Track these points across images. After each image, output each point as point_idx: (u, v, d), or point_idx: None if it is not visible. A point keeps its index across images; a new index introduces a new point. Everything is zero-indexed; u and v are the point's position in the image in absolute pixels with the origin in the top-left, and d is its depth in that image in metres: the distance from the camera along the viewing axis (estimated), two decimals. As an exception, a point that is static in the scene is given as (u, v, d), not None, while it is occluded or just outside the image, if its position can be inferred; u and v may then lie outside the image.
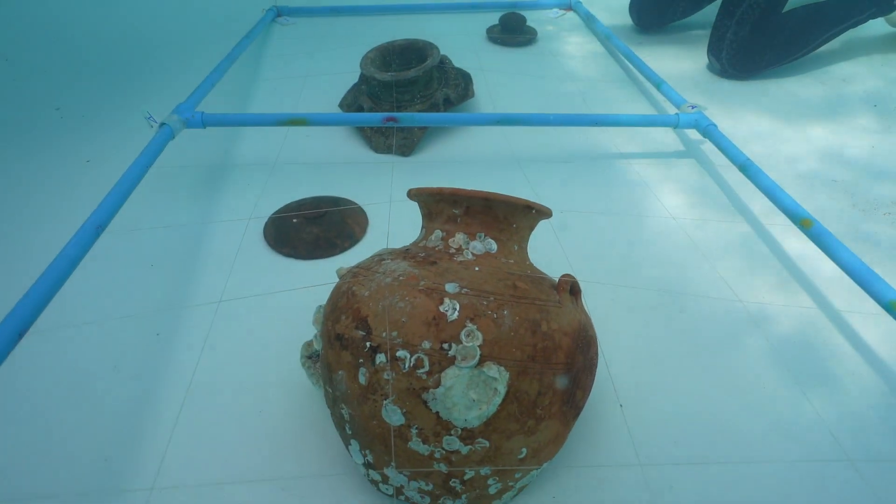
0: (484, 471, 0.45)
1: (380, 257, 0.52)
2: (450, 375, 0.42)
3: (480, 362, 0.42)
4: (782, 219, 0.80)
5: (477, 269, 0.47)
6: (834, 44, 1.35)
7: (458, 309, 0.43)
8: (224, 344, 0.67)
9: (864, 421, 0.59)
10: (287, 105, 1.19)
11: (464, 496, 0.47)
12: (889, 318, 0.61)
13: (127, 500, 0.50)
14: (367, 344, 0.44)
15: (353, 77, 1.17)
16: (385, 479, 0.48)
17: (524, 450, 0.45)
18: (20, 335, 0.46)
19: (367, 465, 0.48)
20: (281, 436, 0.57)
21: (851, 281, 0.65)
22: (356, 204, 0.88)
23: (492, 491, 0.48)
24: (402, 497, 0.49)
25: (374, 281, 0.47)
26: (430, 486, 0.46)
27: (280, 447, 0.56)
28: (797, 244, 0.82)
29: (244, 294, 0.73)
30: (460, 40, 1.49)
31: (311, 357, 0.57)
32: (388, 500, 0.52)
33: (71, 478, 0.53)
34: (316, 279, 0.75)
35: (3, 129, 1.11)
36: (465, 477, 0.45)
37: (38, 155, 1.02)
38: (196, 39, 1.50)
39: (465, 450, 0.44)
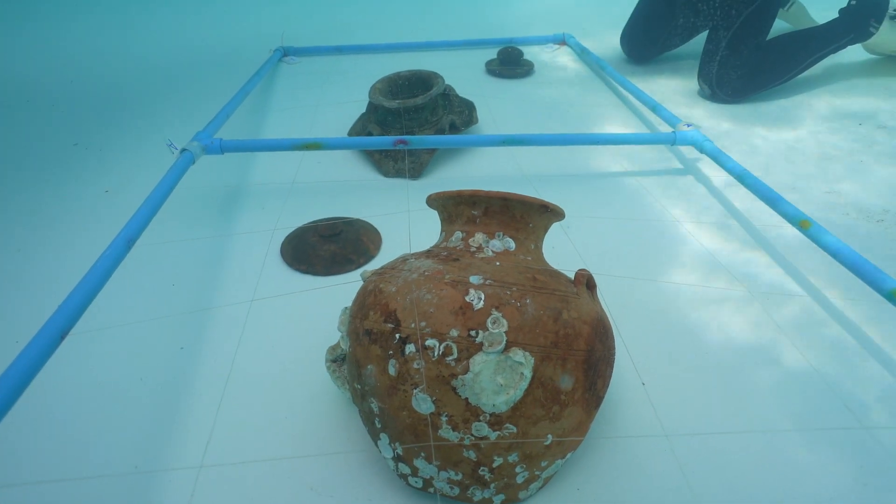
0: (512, 458, 0.46)
1: (403, 258, 0.54)
2: (478, 361, 0.44)
3: (506, 348, 0.44)
4: (780, 222, 0.86)
5: (498, 263, 0.50)
6: (816, 69, 1.42)
7: (483, 298, 0.45)
8: (252, 353, 0.69)
9: (874, 392, 0.63)
10: (298, 136, 1.23)
11: (492, 485, 0.48)
12: (889, 305, 0.65)
13: (180, 476, 0.55)
14: (397, 336, 0.46)
15: (359, 108, 1.22)
16: (415, 472, 0.49)
17: (550, 436, 0.47)
18: (62, 336, 0.48)
19: (397, 459, 0.49)
20: (307, 429, 0.60)
21: (849, 273, 0.69)
22: (369, 223, 0.92)
23: (519, 480, 0.49)
24: (432, 489, 0.50)
25: (400, 278, 0.50)
26: (460, 476, 0.47)
27: (307, 436, 0.60)
28: (795, 243, 0.86)
29: (268, 305, 0.77)
30: (461, 73, 1.55)
31: (335, 361, 0.59)
32: (417, 493, 0.52)
33: (125, 458, 0.56)
34: (334, 292, 0.78)
35: (28, 162, 1.15)
36: (494, 465, 0.47)
37: (60, 186, 1.06)
38: (204, 81, 1.57)
39: (493, 436, 0.45)
